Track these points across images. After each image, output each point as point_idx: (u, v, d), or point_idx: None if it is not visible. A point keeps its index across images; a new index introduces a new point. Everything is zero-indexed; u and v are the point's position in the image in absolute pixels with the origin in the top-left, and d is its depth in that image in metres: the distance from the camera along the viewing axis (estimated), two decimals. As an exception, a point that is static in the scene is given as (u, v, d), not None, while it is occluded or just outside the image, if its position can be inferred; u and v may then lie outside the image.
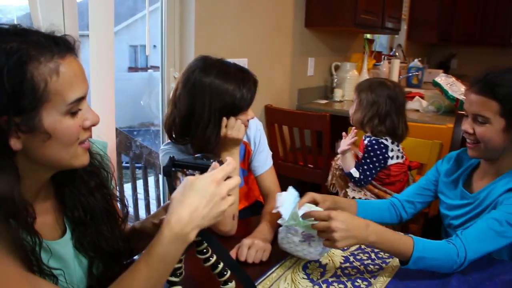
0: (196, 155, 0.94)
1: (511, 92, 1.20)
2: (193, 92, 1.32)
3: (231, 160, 0.85)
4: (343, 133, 1.94)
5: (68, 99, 0.75)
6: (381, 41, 5.01)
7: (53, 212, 0.89)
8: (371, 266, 1.17)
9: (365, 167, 1.84)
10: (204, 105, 1.32)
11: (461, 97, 2.82)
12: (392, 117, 1.82)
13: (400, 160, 1.86)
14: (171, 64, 2.31)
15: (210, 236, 0.85)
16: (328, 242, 1.07)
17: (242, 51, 2.58)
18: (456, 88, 2.93)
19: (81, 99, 0.78)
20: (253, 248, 1.20)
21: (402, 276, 1.12)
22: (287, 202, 1.16)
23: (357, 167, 1.86)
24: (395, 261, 1.18)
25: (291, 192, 1.20)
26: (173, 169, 0.91)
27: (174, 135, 1.42)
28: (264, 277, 1.11)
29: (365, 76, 3.44)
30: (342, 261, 1.19)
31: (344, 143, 1.89)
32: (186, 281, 0.93)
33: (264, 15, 2.75)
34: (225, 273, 0.92)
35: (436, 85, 2.94)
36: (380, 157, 1.82)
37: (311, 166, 2.67)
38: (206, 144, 1.37)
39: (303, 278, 1.11)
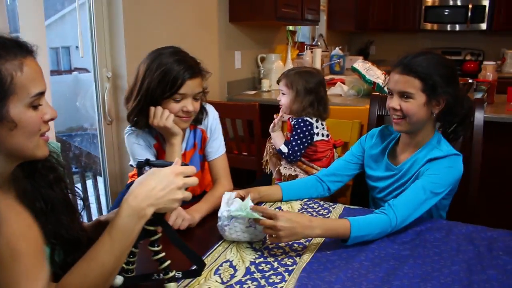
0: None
1: (428, 71, 1.40)
2: (144, 70, 1.47)
3: (193, 167, 0.96)
4: (275, 115, 2.10)
5: (31, 92, 0.85)
6: (303, 32, 5.23)
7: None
8: (296, 245, 1.26)
9: (293, 143, 2.00)
10: (144, 77, 1.45)
11: (378, 80, 3.06)
12: (324, 100, 2.04)
13: (325, 138, 2.05)
14: (103, 65, 2.34)
15: (162, 217, 0.96)
16: (273, 238, 1.19)
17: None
18: (372, 73, 3.17)
19: (42, 94, 0.88)
20: (179, 217, 1.35)
21: (324, 249, 1.23)
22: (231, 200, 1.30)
23: (286, 144, 2.02)
24: (317, 238, 1.29)
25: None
26: (146, 167, 1.00)
27: (128, 118, 1.54)
28: (212, 250, 1.22)
29: (290, 66, 3.62)
30: (258, 256, 1.20)
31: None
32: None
33: (190, 11, 2.83)
34: (169, 272, 0.99)
35: (355, 70, 3.17)
36: (306, 133, 1.98)
37: (245, 153, 2.80)
38: (135, 117, 1.50)
39: (247, 247, 1.24)
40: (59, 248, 0.98)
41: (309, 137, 2.00)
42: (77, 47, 2.34)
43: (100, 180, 2.59)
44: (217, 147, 1.70)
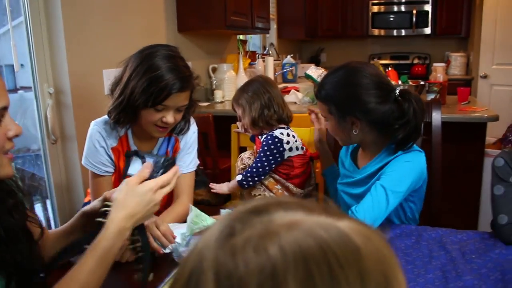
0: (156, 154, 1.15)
1: (329, 95, 1.37)
2: (132, 68, 1.37)
3: (176, 170, 1.05)
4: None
5: None
6: (254, 41, 5.20)
7: None
8: None
9: (253, 165, 1.85)
10: (130, 76, 1.35)
11: (331, 86, 3.05)
12: (275, 101, 1.85)
13: (300, 152, 1.88)
14: (44, 80, 2.18)
15: (142, 226, 1.05)
16: None
17: (118, 60, 2.49)
18: (326, 79, 3.16)
19: (4, 109, 0.83)
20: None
21: None
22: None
23: (240, 174, 1.89)
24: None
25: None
26: (134, 156, 1.10)
27: (110, 114, 1.43)
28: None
29: (242, 75, 3.55)
30: None
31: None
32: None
33: (136, 22, 2.71)
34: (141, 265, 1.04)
35: (308, 77, 3.14)
36: (275, 151, 1.81)
37: (201, 167, 2.69)
38: (116, 115, 1.41)
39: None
40: (15, 279, 0.90)
41: (278, 155, 1.83)
42: (22, 65, 2.19)
43: (48, 202, 2.42)
44: (188, 162, 1.60)
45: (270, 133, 1.84)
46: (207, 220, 1.10)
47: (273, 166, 1.84)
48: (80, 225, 1.17)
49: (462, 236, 1.25)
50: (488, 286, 1.00)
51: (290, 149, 1.84)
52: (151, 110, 1.36)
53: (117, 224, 0.95)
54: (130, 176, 1.05)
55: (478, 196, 2.62)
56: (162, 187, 1.01)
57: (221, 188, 1.95)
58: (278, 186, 1.85)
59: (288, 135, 1.85)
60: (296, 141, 1.87)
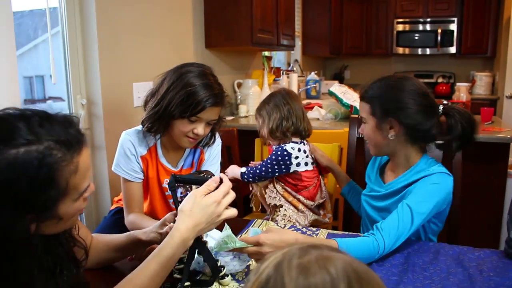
0: (192, 172, 1.18)
1: (375, 94, 1.42)
2: (171, 79, 1.48)
3: (227, 180, 1.06)
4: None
5: (81, 189, 0.83)
6: (279, 57, 5.28)
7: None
8: None
9: (259, 165, 1.91)
10: (168, 90, 1.46)
11: (354, 103, 3.08)
12: (294, 113, 1.91)
13: (310, 168, 1.92)
14: (77, 91, 2.28)
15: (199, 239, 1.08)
16: (261, 261, 1.14)
17: (147, 74, 2.61)
18: (349, 96, 3.19)
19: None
20: None
21: None
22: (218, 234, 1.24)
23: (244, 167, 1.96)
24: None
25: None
26: (176, 184, 1.10)
27: (144, 123, 1.54)
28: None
29: (267, 91, 3.62)
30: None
31: None
32: None
33: (165, 37, 2.81)
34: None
35: (332, 94, 3.19)
36: (281, 162, 1.87)
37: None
38: (150, 124, 1.51)
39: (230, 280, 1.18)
40: None
41: (283, 166, 1.88)
42: (51, 75, 2.29)
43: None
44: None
45: (282, 145, 1.90)
46: (236, 243, 1.14)
47: (276, 174, 1.91)
48: (130, 248, 1.23)
49: (480, 254, 1.26)
50: (505, 304, 1.02)
51: (298, 164, 1.90)
52: (185, 121, 1.47)
53: (182, 233, 0.97)
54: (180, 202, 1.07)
55: (501, 216, 2.60)
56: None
57: (233, 171, 2.00)
58: (291, 198, 1.90)
59: (299, 150, 1.90)
60: (307, 156, 1.92)
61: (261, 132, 1.96)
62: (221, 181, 1.05)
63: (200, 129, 1.49)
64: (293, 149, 1.88)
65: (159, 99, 1.48)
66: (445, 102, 2.90)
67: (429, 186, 1.35)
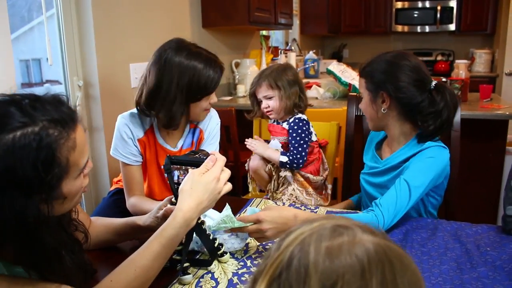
0: (187, 153, 1.13)
1: (371, 70, 1.44)
2: (162, 69, 1.44)
3: (221, 156, 1.06)
4: (246, 141, 1.96)
5: (81, 165, 0.83)
6: (276, 36, 5.23)
7: None
8: None
9: (294, 150, 1.84)
10: (171, 82, 1.44)
11: (353, 82, 3.07)
12: (303, 90, 1.93)
13: (315, 138, 1.93)
14: (74, 73, 2.26)
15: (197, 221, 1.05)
16: (261, 239, 1.16)
17: (144, 55, 2.57)
18: (347, 74, 3.17)
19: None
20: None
21: None
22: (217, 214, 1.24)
23: (283, 154, 1.85)
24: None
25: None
26: (172, 166, 1.09)
27: (139, 107, 1.52)
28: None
29: (265, 70, 3.59)
30: (240, 267, 1.15)
31: (255, 160, 1.93)
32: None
33: (162, 18, 2.78)
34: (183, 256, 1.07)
35: (330, 73, 3.17)
36: (306, 132, 1.85)
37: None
38: (170, 120, 1.49)
39: (229, 258, 1.18)
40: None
41: (309, 137, 1.87)
42: (47, 58, 2.27)
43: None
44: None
45: (298, 116, 1.88)
46: (235, 223, 1.14)
47: (307, 148, 1.86)
48: (128, 232, 1.24)
49: (477, 229, 1.27)
50: (502, 277, 1.02)
51: (312, 133, 1.90)
52: (202, 101, 1.51)
53: (184, 213, 0.96)
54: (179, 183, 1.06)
55: (498, 193, 2.61)
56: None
57: (257, 147, 1.91)
58: (301, 179, 1.87)
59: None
60: (312, 127, 1.93)
61: (273, 105, 1.87)
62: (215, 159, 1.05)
63: (214, 97, 1.55)
64: (306, 117, 1.90)
65: (157, 81, 1.45)
66: (444, 79, 2.90)
67: (425, 160, 1.36)
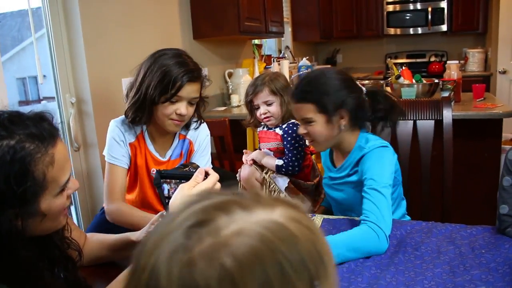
0: (177, 166, 1.13)
1: (317, 93, 1.42)
2: (145, 66, 1.51)
3: (213, 172, 1.04)
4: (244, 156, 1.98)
5: (61, 182, 0.82)
6: (269, 45, 5.25)
7: None
8: None
9: (289, 153, 1.85)
10: (144, 75, 1.48)
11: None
12: None
13: (307, 143, 1.89)
14: (66, 90, 2.27)
15: None
16: None
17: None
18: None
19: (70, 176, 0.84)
20: None
21: None
22: None
23: (279, 158, 1.87)
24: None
25: None
26: (162, 180, 1.08)
27: (127, 113, 1.56)
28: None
29: (258, 79, 3.59)
30: None
31: (246, 169, 1.94)
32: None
33: (152, 31, 2.79)
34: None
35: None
36: (300, 136, 1.81)
37: (218, 167, 2.75)
38: (134, 115, 1.52)
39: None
40: None
41: (304, 140, 1.86)
42: (44, 76, 2.28)
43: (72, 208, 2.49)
44: (203, 164, 1.68)
45: (292, 121, 1.88)
46: None
47: (302, 152, 1.87)
48: (122, 248, 1.23)
49: (472, 231, 1.27)
50: (496, 279, 1.02)
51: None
52: (166, 104, 1.48)
53: None
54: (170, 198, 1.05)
55: (495, 193, 2.60)
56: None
57: (255, 155, 1.93)
58: (291, 185, 1.88)
59: None
60: None
61: (272, 111, 1.87)
62: (207, 174, 1.04)
63: (183, 108, 1.49)
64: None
65: (137, 86, 1.51)
66: (436, 81, 2.90)
67: (375, 163, 1.39)
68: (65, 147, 0.85)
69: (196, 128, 1.69)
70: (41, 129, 0.80)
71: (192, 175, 1.04)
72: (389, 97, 1.53)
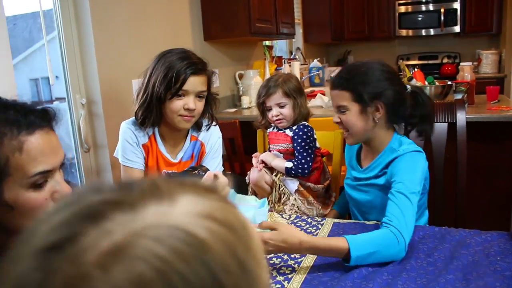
0: (186, 169, 1.06)
1: (354, 81, 1.41)
2: (152, 66, 1.53)
3: (222, 175, 1.04)
4: (253, 159, 1.95)
5: (29, 172, 0.77)
6: (280, 46, 5.23)
7: None
8: (284, 268, 1.18)
9: (299, 155, 1.82)
10: (151, 75, 1.50)
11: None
12: (306, 99, 1.93)
13: (318, 146, 1.91)
14: (77, 91, 2.28)
15: None
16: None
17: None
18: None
19: (48, 172, 0.80)
20: None
21: (316, 271, 1.15)
22: None
23: (289, 160, 1.84)
24: (308, 259, 1.21)
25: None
26: None
27: (137, 115, 1.56)
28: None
29: (269, 80, 3.58)
30: None
31: (255, 172, 1.90)
32: None
33: (163, 32, 2.79)
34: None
35: (334, 81, 3.14)
36: (312, 138, 1.84)
37: (229, 172, 2.74)
38: (144, 117, 1.52)
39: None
40: None
41: (314, 143, 1.85)
42: (57, 77, 2.29)
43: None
44: (215, 166, 1.67)
45: (302, 123, 1.87)
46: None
47: (312, 154, 1.84)
48: None
49: (487, 237, 1.24)
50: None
51: (315, 140, 1.89)
52: (173, 99, 1.48)
53: None
54: None
55: (510, 197, 2.56)
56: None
57: (265, 157, 1.90)
58: (301, 188, 1.85)
59: None
60: (315, 134, 1.92)
61: (285, 113, 1.83)
62: (216, 177, 1.03)
63: (191, 103, 1.49)
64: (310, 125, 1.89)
65: (145, 86, 1.52)
66: (449, 83, 2.86)
67: (407, 168, 1.35)
68: (51, 141, 0.81)
69: (207, 129, 1.68)
70: (20, 117, 0.77)
71: (201, 179, 1.03)
72: (431, 103, 1.49)
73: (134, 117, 1.61)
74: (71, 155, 2.37)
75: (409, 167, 1.35)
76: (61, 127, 2.48)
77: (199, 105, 1.53)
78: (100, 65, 2.28)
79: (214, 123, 1.69)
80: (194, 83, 1.48)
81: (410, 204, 1.26)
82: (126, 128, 1.61)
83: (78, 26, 2.25)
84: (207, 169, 1.08)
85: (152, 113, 1.52)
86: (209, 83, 1.57)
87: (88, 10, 2.20)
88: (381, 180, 1.44)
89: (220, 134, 1.72)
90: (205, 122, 1.67)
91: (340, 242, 1.14)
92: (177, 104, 1.48)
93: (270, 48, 4.34)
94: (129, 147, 1.59)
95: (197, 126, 1.64)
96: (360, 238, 1.16)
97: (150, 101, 1.50)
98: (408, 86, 1.48)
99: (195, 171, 1.08)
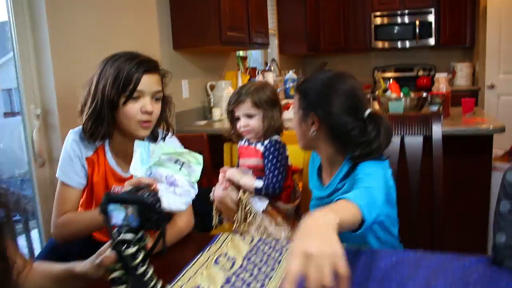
0: (129, 188, 0.97)
1: (306, 88, 1.40)
2: (96, 73, 1.39)
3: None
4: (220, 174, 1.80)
5: None
6: (255, 57, 5.14)
7: None
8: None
9: (269, 174, 1.69)
10: (98, 81, 1.36)
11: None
12: (281, 111, 1.82)
13: (289, 163, 1.80)
14: (31, 101, 2.13)
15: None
16: None
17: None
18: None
19: None
20: None
21: None
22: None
23: (259, 178, 1.71)
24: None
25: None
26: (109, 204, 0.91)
27: (86, 127, 1.41)
28: (182, 274, 1.15)
29: (241, 91, 3.47)
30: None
31: (220, 189, 1.77)
32: None
33: (128, 41, 2.65)
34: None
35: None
36: (283, 155, 1.73)
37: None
38: (94, 128, 1.38)
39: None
40: None
41: (286, 160, 1.74)
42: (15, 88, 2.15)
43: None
44: None
45: (274, 138, 1.77)
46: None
47: (283, 172, 1.72)
48: (67, 279, 1.07)
49: (465, 263, 1.13)
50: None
51: (287, 157, 1.78)
52: (128, 103, 1.35)
53: None
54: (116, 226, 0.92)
55: (487, 212, 2.49)
56: None
57: (233, 175, 1.74)
58: (269, 208, 1.72)
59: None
60: (287, 150, 1.81)
61: (252, 125, 1.72)
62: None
63: (148, 104, 1.36)
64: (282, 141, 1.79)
65: (92, 94, 1.37)
66: (424, 94, 2.80)
67: (367, 173, 1.27)
68: None
69: (164, 140, 1.54)
70: None
71: (147, 201, 0.90)
72: (390, 131, 1.38)
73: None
74: (22, 170, 2.21)
75: (369, 173, 1.26)
76: (12, 139, 2.30)
77: (156, 108, 1.41)
78: (57, 74, 2.14)
79: (170, 134, 1.55)
80: (149, 82, 1.36)
81: (376, 191, 1.19)
82: (72, 139, 1.47)
83: (34, 35, 2.12)
84: (155, 192, 0.95)
85: (104, 122, 1.37)
86: (163, 84, 1.45)
87: (45, 21, 2.08)
88: (343, 189, 1.35)
89: (179, 146, 1.58)
90: (160, 132, 1.53)
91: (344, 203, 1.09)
92: (133, 108, 1.35)
93: (244, 59, 4.25)
94: (68, 161, 1.44)
95: (153, 137, 1.50)
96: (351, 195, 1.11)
97: (101, 109, 1.35)
98: (368, 111, 1.34)
99: (139, 192, 0.94)
